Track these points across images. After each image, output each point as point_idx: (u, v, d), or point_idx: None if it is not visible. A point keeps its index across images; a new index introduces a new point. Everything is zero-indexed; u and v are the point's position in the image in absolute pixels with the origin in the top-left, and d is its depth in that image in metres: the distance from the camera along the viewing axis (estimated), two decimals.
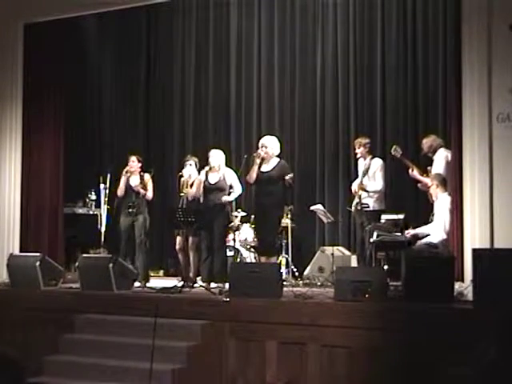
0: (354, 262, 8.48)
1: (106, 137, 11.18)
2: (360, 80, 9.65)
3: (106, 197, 9.01)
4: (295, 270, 8.70)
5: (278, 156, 8.00)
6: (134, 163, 8.55)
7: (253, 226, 8.79)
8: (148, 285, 8.15)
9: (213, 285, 7.78)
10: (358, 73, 9.65)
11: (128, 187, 8.45)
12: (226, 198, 8.03)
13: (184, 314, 6.57)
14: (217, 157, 8.19)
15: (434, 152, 7.80)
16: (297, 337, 6.03)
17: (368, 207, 8.13)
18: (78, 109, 10.54)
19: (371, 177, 8.26)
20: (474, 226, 6.50)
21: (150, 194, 8.48)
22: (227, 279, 6.99)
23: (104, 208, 9.01)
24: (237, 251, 8.64)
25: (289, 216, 8.76)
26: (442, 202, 7.28)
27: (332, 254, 8.31)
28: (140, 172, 8.57)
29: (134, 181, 8.47)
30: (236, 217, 8.68)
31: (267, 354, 6.12)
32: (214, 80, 10.59)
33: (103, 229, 8.97)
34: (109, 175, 8.98)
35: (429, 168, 7.82)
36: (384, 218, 8.20)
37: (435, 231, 7.24)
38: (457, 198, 6.77)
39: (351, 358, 5.81)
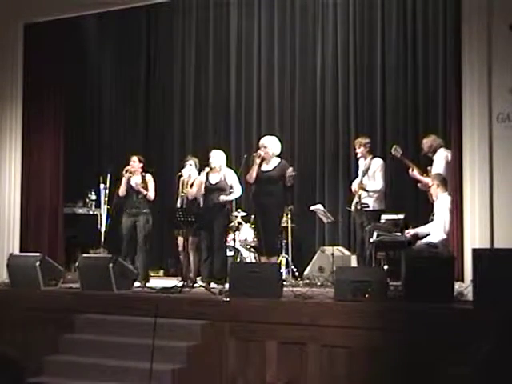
0: (353, 262, 8.48)
1: (105, 137, 11.18)
2: (360, 80, 9.65)
3: (105, 197, 9.01)
4: (295, 270, 8.71)
5: (278, 156, 8.00)
6: (135, 163, 8.54)
7: (253, 226, 8.79)
8: (148, 285, 8.15)
9: (213, 285, 7.78)
10: (358, 73, 9.65)
11: (129, 187, 8.45)
12: (223, 198, 8.01)
13: (184, 313, 6.56)
14: (218, 157, 8.19)
15: (434, 152, 7.80)
16: (297, 337, 6.03)
17: (368, 207, 8.13)
18: (77, 109, 10.54)
19: (371, 176, 8.26)
20: (474, 226, 6.50)
21: (151, 194, 8.47)
22: (227, 279, 6.99)
23: (104, 208, 9.01)
24: (237, 251, 8.64)
25: (289, 216, 8.76)
26: (442, 201, 7.28)
27: (332, 254, 8.31)
28: (142, 172, 8.57)
29: (136, 181, 8.47)
30: (236, 217, 8.68)
31: (267, 354, 6.12)
32: (214, 80, 10.60)
33: (103, 229, 8.98)
34: (109, 175, 8.99)
35: (429, 168, 7.82)
36: (384, 217, 8.20)
37: (435, 231, 7.25)
38: (457, 197, 6.77)
39: (351, 358, 5.81)
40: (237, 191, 8.15)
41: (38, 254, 7.87)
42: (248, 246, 8.87)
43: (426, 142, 7.91)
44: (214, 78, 10.60)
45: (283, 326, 6.11)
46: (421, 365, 5.49)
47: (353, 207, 8.34)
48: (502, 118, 6.45)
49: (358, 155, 8.48)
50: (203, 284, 7.79)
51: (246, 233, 8.99)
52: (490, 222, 6.40)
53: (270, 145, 7.94)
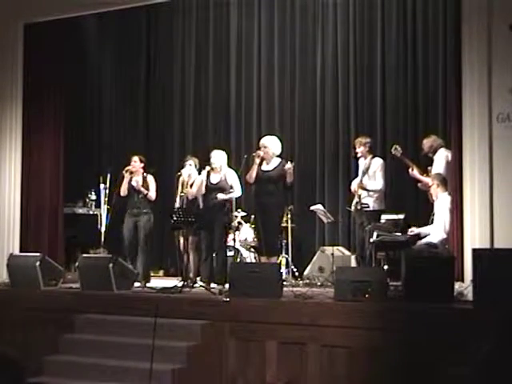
0: (353, 262, 8.48)
1: (105, 137, 11.18)
2: (360, 80, 9.65)
3: (106, 197, 9.01)
4: (295, 270, 8.70)
5: (279, 156, 8.00)
6: (136, 163, 8.54)
7: (253, 225, 8.79)
8: (148, 285, 8.15)
9: (213, 285, 7.78)
10: (358, 73, 9.65)
11: (130, 187, 8.45)
12: (221, 196, 7.99)
13: (184, 313, 6.57)
14: (219, 157, 8.18)
15: (435, 152, 7.80)
16: (297, 337, 6.03)
17: (368, 207, 8.13)
18: (78, 109, 10.54)
19: (371, 176, 8.25)
20: (474, 226, 6.50)
21: (152, 194, 8.47)
22: (227, 279, 6.99)
23: (104, 208, 9.01)
24: (237, 251, 8.64)
25: (289, 216, 8.76)
26: (442, 201, 7.28)
27: (332, 254, 8.31)
28: (143, 173, 8.57)
29: (137, 181, 8.47)
30: (236, 217, 8.67)
31: (267, 354, 6.12)
32: (214, 80, 10.59)
33: (103, 229, 8.97)
34: (109, 175, 8.99)
35: (429, 168, 7.82)
36: (384, 217, 8.20)
37: (435, 231, 7.25)
38: (457, 197, 6.77)
39: (351, 357, 5.81)
40: (237, 191, 8.14)
41: (37, 254, 7.87)
42: (248, 246, 8.87)
43: (427, 143, 7.91)
44: (214, 78, 10.60)
45: (283, 326, 6.11)
46: (421, 365, 5.49)
47: (353, 207, 8.34)
48: (502, 117, 6.45)
49: (358, 155, 8.48)
50: (203, 284, 7.79)
51: (246, 233, 8.99)
52: (490, 222, 6.40)
53: (271, 145, 7.95)
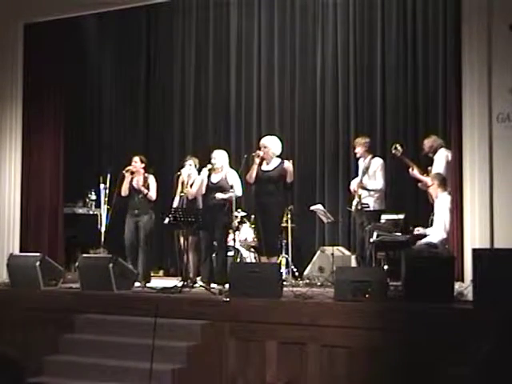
0: (354, 262, 8.48)
1: (105, 137, 11.18)
2: (360, 80, 9.65)
3: (106, 197, 9.01)
4: (295, 270, 8.70)
5: (279, 156, 8.00)
6: (136, 163, 8.54)
7: (253, 225, 8.79)
8: (148, 285, 8.15)
9: (213, 285, 7.78)
10: (358, 73, 9.65)
11: (131, 187, 8.45)
12: (219, 195, 7.99)
13: (184, 313, 6.56)
14: (220, 157, 8.18)
15: (435, 152, 7.81)
16: (297, 337, 6.03)
17: (368, 207, 8.13)
18: (78, 109, 10.54)
19: (371, 176, 8.26)
20: (474, 226, 6.50)
21: (152, 194, 8.47)
22: (227, 279, 6.99)
23: (104, 208, 9.01)
24: (237, 251, 8.64)
25: (289, 216, 8.76)
26: (442, 201, 7.28)
27: (332, 254, 8.31)
28: (144, 173, 8.56)
29: (137, 181, 8.47)
30: (236, 217, 8.67)
31: (267, 354, 6.12)
32: (214, 80, 10.59)
33: (103, 229, 8.97)
34: (109, 175, 8.98)
35: (429, 168, 7.82)
36: (384, 217, 8.20)
37: (435, 231, 7.25)
38: (457, 197, 6.77)
39: (351, 357, 5.81)
40: (237, 191, 8.13)
41: (37, 254, 7.87)
42: (248, 246, 8.87)
43: (427, 143, 7.91)
44: (214, 77, 10.60)
45: (283, 326, 6.11)
46: (421, 365, 5.49)
47: (353, 207, 8.34)
48: (502, 117, 6.45)
49: (358, 155, 8.49)
50: (203, 284, 7.79)
51: (246, 233, 8.99)
52: (490, 222, 6.40)
53: (271, 145, 7.95)
